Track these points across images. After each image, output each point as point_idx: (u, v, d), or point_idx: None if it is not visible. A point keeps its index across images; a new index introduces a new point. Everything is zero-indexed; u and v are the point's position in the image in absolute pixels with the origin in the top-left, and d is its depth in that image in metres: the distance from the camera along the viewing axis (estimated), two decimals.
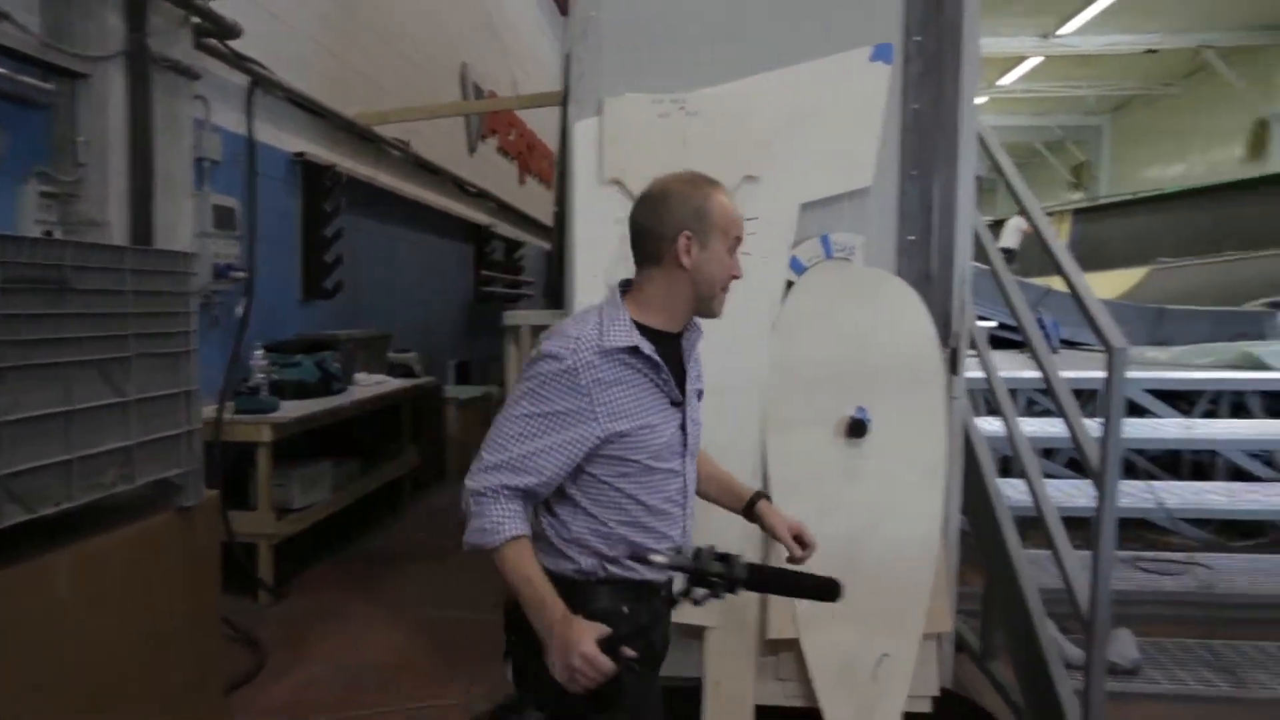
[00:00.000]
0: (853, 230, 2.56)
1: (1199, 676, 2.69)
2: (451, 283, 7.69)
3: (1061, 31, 11.92)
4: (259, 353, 3.78)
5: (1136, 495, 3.20)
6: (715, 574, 1.40)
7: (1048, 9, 11.36)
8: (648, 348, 1.40)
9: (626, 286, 1.49)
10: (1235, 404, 4.39)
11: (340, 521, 4.15)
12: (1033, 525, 2.65)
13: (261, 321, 4.08)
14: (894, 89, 2.53)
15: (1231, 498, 3.26)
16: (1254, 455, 3.71)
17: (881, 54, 2.53)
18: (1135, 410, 3.97)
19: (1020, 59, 13.45)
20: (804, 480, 2.51)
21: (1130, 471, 4.24)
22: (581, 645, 1.24)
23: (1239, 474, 3.73)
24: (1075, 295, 2.44)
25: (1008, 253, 13.41)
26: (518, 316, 3.13)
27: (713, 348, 1.70)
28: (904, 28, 2.50)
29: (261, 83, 4.12)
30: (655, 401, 1.43)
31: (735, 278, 1.47)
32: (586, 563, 1.43)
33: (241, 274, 3.89)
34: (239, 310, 3.92)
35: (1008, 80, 14.53)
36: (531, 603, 1.31)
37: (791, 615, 2.49)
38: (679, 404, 1.47)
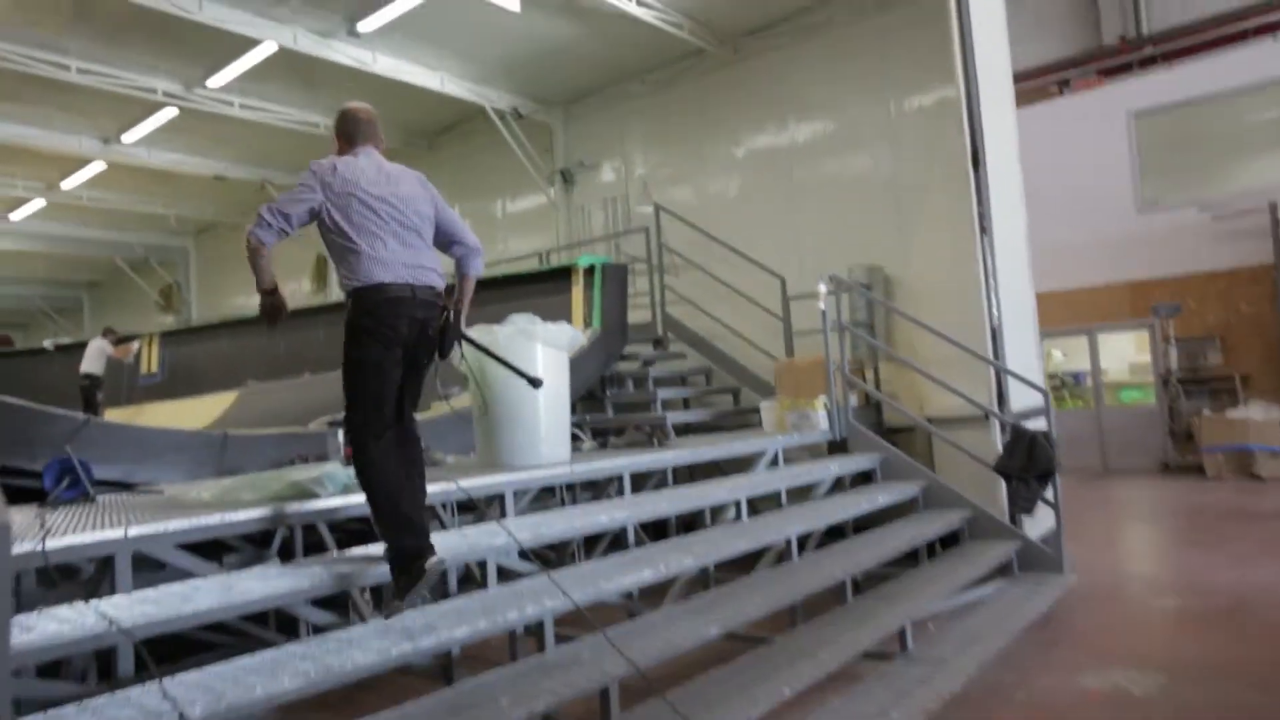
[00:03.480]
0: None
1: None
2: None
3: (125, 139, 10.95)
4: None
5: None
6: None
7: (108, 111, 10.28)
8: None
9: None
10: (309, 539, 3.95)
11: None
12: None
13: None
14: None
15: None
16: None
17: None
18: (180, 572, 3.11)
19: (87, 160, 11.95)
20: None
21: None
22: None
23: None
24: None
25: (91, 379, 11.56)
26: None
27: None
28: None
29: None
30: None
31: None
32: None
33: None
34: None
35: (71, 184, 12.78)
36: None
37: None
38: None
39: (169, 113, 10.16)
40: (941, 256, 7.23)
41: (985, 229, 6.21)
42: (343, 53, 8.40)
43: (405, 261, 3.16)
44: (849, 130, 8.16)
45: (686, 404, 8.34)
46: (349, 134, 3.39)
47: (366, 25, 8.09)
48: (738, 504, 4.93)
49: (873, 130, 7.97)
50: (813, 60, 8.41)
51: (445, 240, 3.50)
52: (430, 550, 2.96)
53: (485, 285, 9.12)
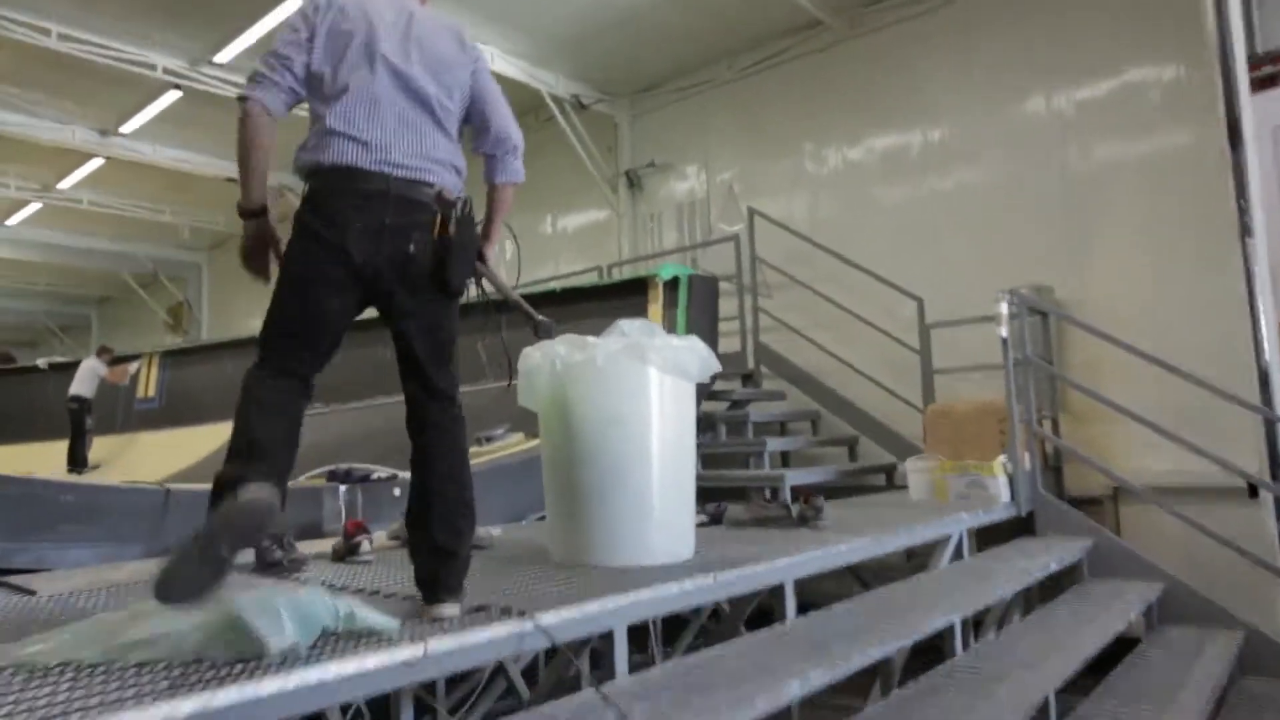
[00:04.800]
0: None
1: None
2: None
3: (124, 129, 9.52)
4: None
5: None
6: None
7: (102, 98, 8.86)
8: None
9: None
10: None
11: None
12: None
13: None
14: None
15: None
16: None
17: None
18: None
19: (85, 156, 10.52)
20: None
21: None
22: None
23: None
24: None
25: (80, 402, 10.13)
26: None
27: None
28: None
29: None
30: None
31: None
32: None
33: None
34: None
35: (68, 184, 11.39)
36: None
37: None
38: None
39: (172, 95, 8.71)
40: (1147, 274, 5.53)
41: (1248, 229, 4.46)
42: None
43: (398, 146, 2.10)
44: (1005, 121, 6.47)
45: (786, 459, 6.59)
46: None
47: None
48: (963, 627, 3.14)
49: (1037, 120, 6.31)
50: (954, 35, 6.77)
51: (478, 125, 2.36)
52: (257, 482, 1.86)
53: (534, 304, 7.53)
